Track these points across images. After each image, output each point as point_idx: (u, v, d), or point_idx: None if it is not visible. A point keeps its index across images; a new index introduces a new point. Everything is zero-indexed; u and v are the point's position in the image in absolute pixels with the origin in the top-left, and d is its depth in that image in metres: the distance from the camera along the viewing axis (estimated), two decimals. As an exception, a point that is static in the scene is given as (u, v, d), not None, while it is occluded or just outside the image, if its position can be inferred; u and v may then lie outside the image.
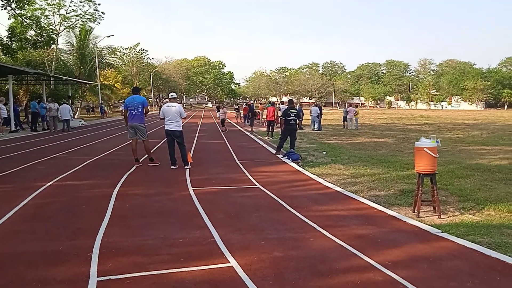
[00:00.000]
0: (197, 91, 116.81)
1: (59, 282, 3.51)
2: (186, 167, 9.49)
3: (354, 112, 25.02)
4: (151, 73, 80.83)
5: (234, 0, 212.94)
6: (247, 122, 26.67)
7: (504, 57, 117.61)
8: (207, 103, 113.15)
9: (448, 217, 5.85)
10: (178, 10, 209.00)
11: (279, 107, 23.52)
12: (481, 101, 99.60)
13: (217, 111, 30.26)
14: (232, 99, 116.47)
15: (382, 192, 7.38)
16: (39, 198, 6.63)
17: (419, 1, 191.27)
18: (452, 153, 12.84)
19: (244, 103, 38.64)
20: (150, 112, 14.99)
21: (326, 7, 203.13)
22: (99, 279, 3.56)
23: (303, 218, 5.57)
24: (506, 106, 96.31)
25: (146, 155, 10.29)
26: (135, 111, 9.71)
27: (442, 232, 4.95)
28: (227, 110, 26.86)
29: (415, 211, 5.93)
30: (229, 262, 3.96)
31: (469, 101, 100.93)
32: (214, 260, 4.02)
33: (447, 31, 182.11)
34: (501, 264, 3.96)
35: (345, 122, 25.34)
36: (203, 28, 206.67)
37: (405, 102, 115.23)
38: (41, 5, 35.80)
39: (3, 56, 32.31)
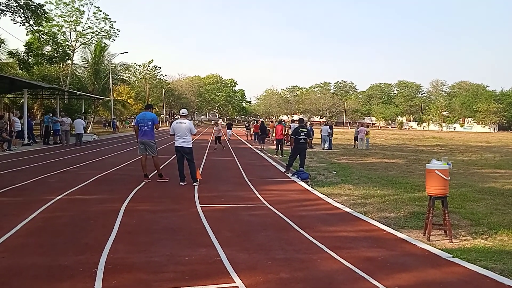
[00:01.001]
0: (209, 108, 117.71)
1: (63, 297, 3.49)
2: (195, 183, 9.49)
3: (365, 132, 24.91)
4: (163, 90, 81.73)
5: (247, 19, 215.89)
6: (257, 139, 26.70)
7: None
8: (218, 120, 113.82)
9: (460, 241, 5.73)
10: (191, 28, 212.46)
11: (290, 125, 23.56)
12: (494, 123, 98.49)
13: (228, 128, 30.34)
14: (243, 116, 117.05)
15: (392, 214, 7.27)
16: (48, 211, 6.66)
17: (431, 22, 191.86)
18: (464, 175, 12.66)
19: (255, 121, 38.79)
20: (161, 128, 15.07)
21: (338, 27, 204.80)
22: (103, 295, 3.53)
23: (311, 238, 5.50)
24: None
25: (156, 171, 10.32)
26: (145, 127, 9.81)
27: (453, 256, 4.84)
28: (237, 127, 27.02)
29: (426, 235, 5.82)
30: (235, 282, 3.91)
31: (482, 123, 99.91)
32: (220, 279, 3.97)
33: (460, 52, 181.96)
34: (514, 292, 3.84)
35: (356, 142, 25.23)
36: (216, 47, 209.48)
37: (416, 123, 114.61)
38: (59, 22, 36.76)
39: (20, 70, 32.96)
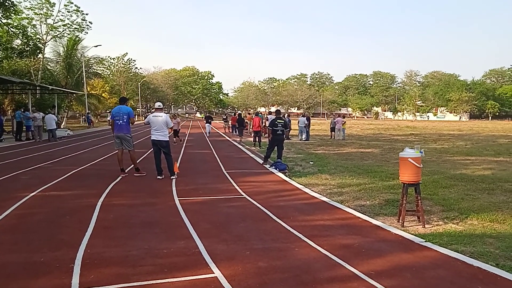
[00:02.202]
0: (185, 101, 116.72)
1: (39, 294, 3.45)
2: (172, 177, 9.44)
3: (343, 122, 25.23)
4: (139, 83, 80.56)
5: (223, 10, 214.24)
6: (235, 132, 26.66)
7: (487, 69, 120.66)
8: (195, 113, 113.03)
9: (432, 226, 5.91)
10: (166, 20, 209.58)
11: (267, 117, 23.61)
12: (466, 112, 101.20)
13: (206, 122, 29.56)
14: (220, 109, 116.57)
15: (368, 202, 7.42)
16: (21, 208, 6.53)
17: (405, 13, 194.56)
18: (437, 163, 13.00)
19: (232, 113, 38.66)
20: (136, 122, 14.88)
21: (314, 18, 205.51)
22: (81, 291, 3.51)
23: (288, 228, 5.57)
24: (490, 117, 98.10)
25: (132, 165, 10.22)
26: (121, 121, 9.69)
27: (425, 241, 4.99)
28: (216, 119, 26.09)
29: (400, 221, 5.98)
30: (214, 273, 3.94)
31: (454, 112, 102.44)
32: (199, 270, 3.99)
33: (433, 43, 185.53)
34: (483, 273, 4.00)
35: (333, 132, 25.51)
36: (191, 39, 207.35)
37: (391, 113, 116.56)
38: (28, 15, 35.66)
39: (-12, 65, 31.90)
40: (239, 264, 4.19)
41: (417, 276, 3.93)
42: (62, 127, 32.59)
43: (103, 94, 54.15)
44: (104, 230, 5.36)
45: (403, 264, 4.26)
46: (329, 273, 4.01)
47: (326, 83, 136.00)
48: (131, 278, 3.77)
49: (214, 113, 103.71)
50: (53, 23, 37.50)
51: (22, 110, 23.75)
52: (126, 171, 10.05)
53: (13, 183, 8.86)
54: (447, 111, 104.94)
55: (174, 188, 8.34)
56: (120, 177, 9.52)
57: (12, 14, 27.10)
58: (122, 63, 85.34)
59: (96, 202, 6.93)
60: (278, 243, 4.93)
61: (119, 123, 9.71)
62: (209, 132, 27.87)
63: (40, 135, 21.69)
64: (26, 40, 29.74)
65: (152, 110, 23.32)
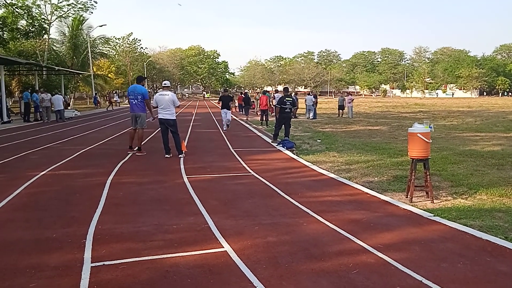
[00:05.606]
0: (192, 80, 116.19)
1: (52, 268, 3.51)
2: (180, 155, 9.48)
3: (352, 100, 25.16)
4: (144, 63, 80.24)
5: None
6: (242, 111, 26.58)
7: (498, 45, 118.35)
8: (202, 93, 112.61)
9: (441, 201, 5.89)
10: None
11: (274, 96, 23.47)
12: (476, 88, 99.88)
13: (222, 108, 16.58)
14: (227, 88, 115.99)
15: (376, 178, 7.40)
16: (32, 187, 6.61)
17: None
18: (446, 139, 12.90)
19: (239, 93, 38.47)
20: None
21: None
22: (93, 264, 3.57)
23: (296, 204, 5.60)
24: (500, 94, 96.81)
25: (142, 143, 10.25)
26: (135, 101, 9.68)
27: (434, 216, 4.99)
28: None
29: (408, 196, 5.96)
30: (223, 247, 3.98)
31: (463, 89, 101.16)
32: (208, 245, 4.04)
33: (442, 18, 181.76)
34: (491, 246, 4.01)
35: (340, 110, 25.36)
36: (197, 18, 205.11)
37: (400, 90, 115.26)
38: (32, -5, 35.39)
39: (-5, 46, 31.90)
40: (248, 238, 4.23)
41: (425, 249, 3.94)
42: (69, 108, 32.70)
43: (109, 75, 54.13)
44: (114, 207, 5.42)
45: (412, 237, 4.27)
46: (338, 246, 4.03)
47: (334, 61, 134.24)
48: (142, 253, 3.83)
49: (220, 93, 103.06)
50: (58, 2, 37.31)
51: (29, 91, 23.84)
52: (134, 149, 10.09)
53: (23, 163, 8.96)
54: (456, 88, 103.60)
55: (182, 166, 8.39)
56: (128, 156, 9.57)
57: (16, -6, 26.96)
58: (128, 43, 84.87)
59: (106, 180, 6.99)
60: (286, 218, 4.96)
61: (133, 102, 9.71)
62: (227, 124, 16.51)
63: (48, 116, 21.82)
64: (31, 21, 29.67)
65: (159, 90, 23.03)
